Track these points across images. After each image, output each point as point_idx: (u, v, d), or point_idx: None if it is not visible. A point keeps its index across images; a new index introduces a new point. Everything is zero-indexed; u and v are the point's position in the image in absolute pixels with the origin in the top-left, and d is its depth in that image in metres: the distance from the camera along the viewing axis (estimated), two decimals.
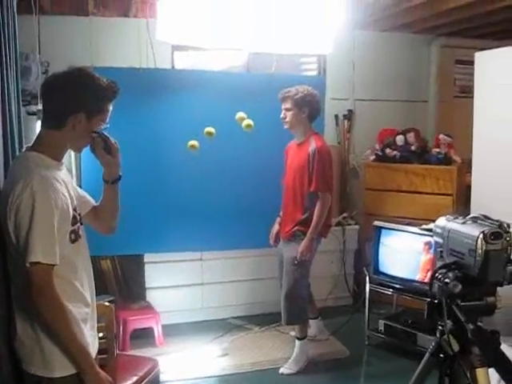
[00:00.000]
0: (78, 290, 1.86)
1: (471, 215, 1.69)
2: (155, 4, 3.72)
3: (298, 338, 3.91)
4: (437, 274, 1.70)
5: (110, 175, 2.05)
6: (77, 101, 1.82)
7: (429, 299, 1.75)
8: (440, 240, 1.76)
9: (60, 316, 1.73)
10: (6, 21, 2.26)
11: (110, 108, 1.91)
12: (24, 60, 3.75)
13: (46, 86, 1.91)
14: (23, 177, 1.72)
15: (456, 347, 1.64)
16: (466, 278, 1.64)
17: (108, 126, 1.93)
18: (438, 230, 1.78)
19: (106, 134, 1.96)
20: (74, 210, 1.88)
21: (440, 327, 1.72)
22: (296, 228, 3.79)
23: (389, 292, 4.21)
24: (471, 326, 1.58)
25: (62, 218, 1.77)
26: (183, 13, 3.45)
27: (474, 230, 1.62)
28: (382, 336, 4.19)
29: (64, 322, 1.74)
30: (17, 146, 2.78)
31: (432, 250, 3.90)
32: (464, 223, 1.68)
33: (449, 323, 1.66)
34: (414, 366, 1.86)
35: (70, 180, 1.97)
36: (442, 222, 1.78)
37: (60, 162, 1.90)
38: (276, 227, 4.08)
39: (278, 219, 4.07)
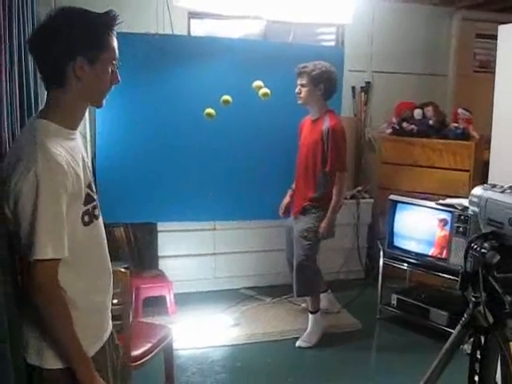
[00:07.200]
0: (86, 276, 1.64)
1: (510, 184, 1.64)
2: None
3: (311, 312, 3.89)
4: (472, 244, 1.65)
5: None
6: (67, 44, 1.51)
7: (461, 271, 1.71)
8: (476, 209, 1.70)
9: (60, 313, 1.54)
10: None
11: (115, 42, 1.60)
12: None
13: (31, 39, 1.61)
14: (26, 155, 1.46)
15: (491, 319, 1.61)
16: (504, 248, 1.60)
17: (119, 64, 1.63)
18: (474, 200, 1.72)
19: None
20: (88, 186, 1.63)
21: (474, 299, 1.68)
22: (307, 203, 3.77)
23: (402, 266, 4.19)
24: (509, 298, 1.53)
25: (73, 200, 1.52)
26: None
27: None
28: (395, 310, 4.18)
29: (64, 320, 1.55)
30: (33, 107, 2.75)
31: (447, 227, 3.86)
32: (503, 192, 1.63)
33: (483, 295, 1.62)
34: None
35: (84, 151, 1.69)
36: (478, 191, 1.72)
37: (73, 131, 1.62)
38: (287, 199, 4.05)
39: (290, 191, 4.04)
